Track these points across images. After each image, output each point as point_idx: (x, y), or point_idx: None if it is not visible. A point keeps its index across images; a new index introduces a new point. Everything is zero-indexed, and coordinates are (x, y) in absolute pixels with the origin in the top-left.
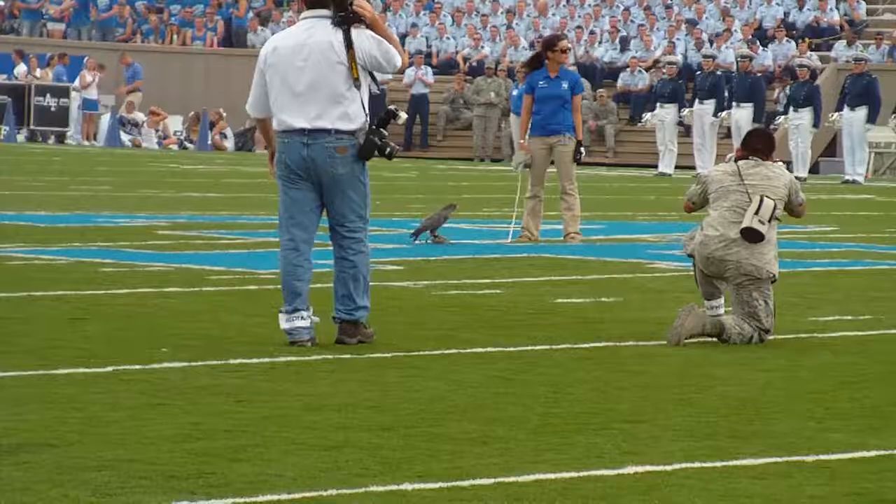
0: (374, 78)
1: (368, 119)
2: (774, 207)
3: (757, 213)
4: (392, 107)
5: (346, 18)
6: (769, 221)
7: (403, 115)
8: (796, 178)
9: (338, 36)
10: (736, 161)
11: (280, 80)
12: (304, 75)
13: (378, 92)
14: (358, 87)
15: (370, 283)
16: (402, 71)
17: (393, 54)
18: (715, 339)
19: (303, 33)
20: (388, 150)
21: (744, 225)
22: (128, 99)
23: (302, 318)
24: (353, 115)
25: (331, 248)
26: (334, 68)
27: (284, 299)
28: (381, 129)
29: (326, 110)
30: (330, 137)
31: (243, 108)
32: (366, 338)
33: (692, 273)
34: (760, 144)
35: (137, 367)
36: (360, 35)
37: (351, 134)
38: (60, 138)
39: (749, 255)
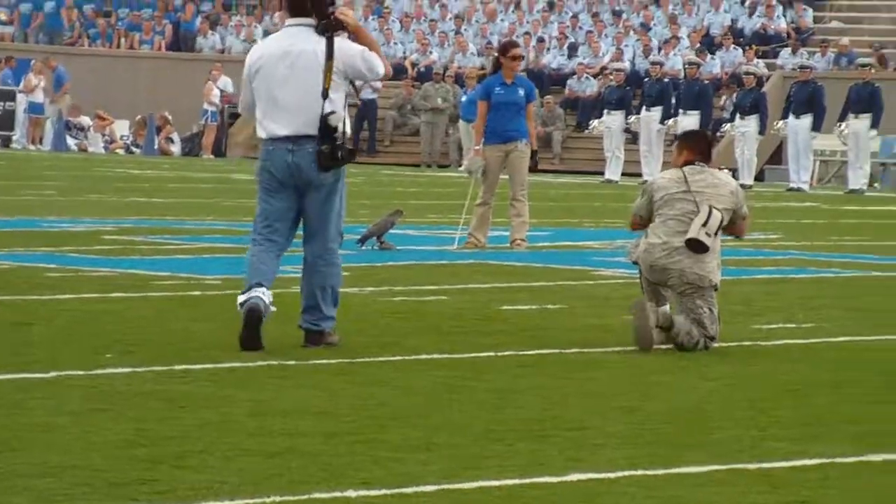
0: (354, 86)
1: (345, 128)
2: (721, 220)
3: (705, 224)
4: (329, 111)
5: (328, 26)
6: (715, 234)
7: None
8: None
9: (321, 44)
10: (681, 167)
11: (265, 88)
12: (289, 83)
13: (358, 101)
14: (326, 96)
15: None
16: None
17: (375, 63)
18: (659, 346)
19: (286, 40)
20: (341, 154)
21: (689, 235)
22: (72, 103)
23: (263, 292)
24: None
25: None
26: (318, 76)
27: (246, 283)
28: (333, 136)
29: (311, 118)
30: (314, 144)
31: (190, 113)
32: (331, 345)
33: (638, 280)
34: (704, 146)
35: (81, 372)
36: (342, 44)
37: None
38: (6, 142)
39: (692, 264)
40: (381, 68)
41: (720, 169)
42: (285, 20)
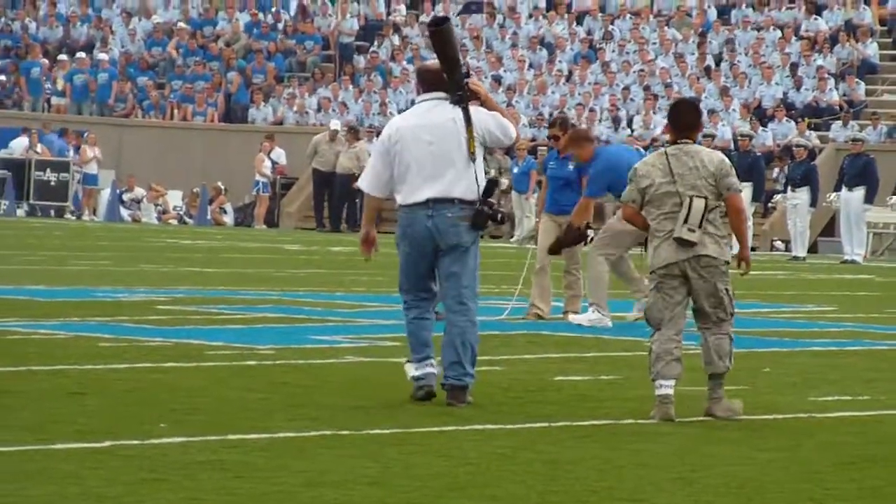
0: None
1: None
2: (705, 207)
3: (686, 220)
4: (492, 175)
5: (463, 97)
6: (699, 226)
7: (505, 182)
8: (795, 258)
9: (457, 114)
10: (672, 144)
11: (409, 157)
12: (432, 151)
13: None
14: (473, 160)
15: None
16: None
17: (509, 127)
18: (711, 418)
19: (425, 114)
20: (500, 216)
21: (675, 235)
22: (129, 175)
23: (431, 364)
24: (471, 186)
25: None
26: (459, 144)
27: (413, 350)
28: (489, 199)
29: (451, 183)
30: (454, 208)
31: (242, 183)
32: (468, 403)
33: (687, 350)
34: (692, 118)
35: (135, 441)
36: (477, 112)
37: (471, 204)
38: (60, 213)
39: (700, 249)
40: (513, 131)
41: (773, 241)
42: (419, 96)
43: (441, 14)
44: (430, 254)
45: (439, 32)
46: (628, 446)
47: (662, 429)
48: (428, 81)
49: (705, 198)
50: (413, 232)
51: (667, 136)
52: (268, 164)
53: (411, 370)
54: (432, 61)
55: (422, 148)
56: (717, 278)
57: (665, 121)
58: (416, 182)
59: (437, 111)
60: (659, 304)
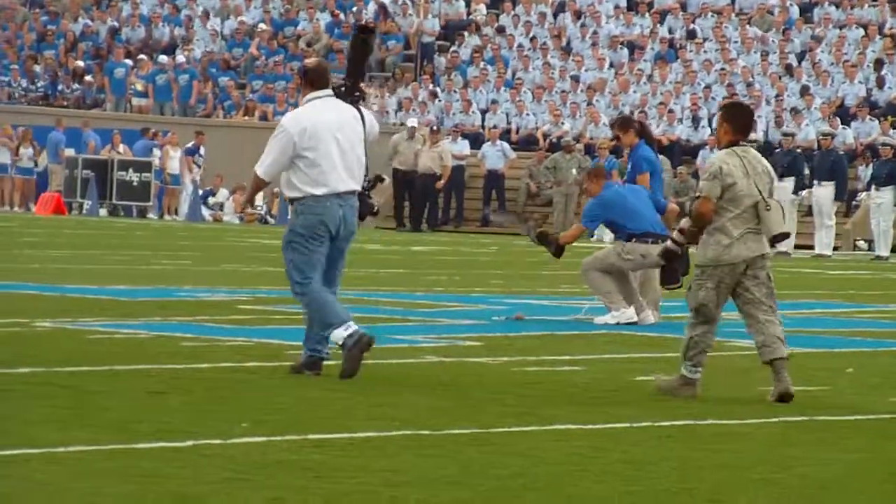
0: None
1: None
2: (781, 209)
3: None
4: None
5: (359, 98)
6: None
7: (388, 179)
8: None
9: (354, 112)
10: (729, 146)
11: (324, 151)
12: (343, 146)
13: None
14: (366, 155)
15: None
16: (478, 147)
17: (377, 128)
18: (794, 418)
19: (331, 110)
20: (377, 208)
21: (777, 231)
22: (216, 175)
23: (354, 323)
24: (362, 180)
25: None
26: (360, 139)
27: (333, 320)
28: (371, 191)
29: (354, 175)
30: (354, 199)
31: None
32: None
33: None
34: (749, 120)
35: (217, 441)
36: (365, 111)
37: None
38: (142, 213)
39: (759, 241)
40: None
41: (856, 241)
42: (311, 93)
43: (370, 24)
44: (328, 243)
45: (368, 39)
46: (709, 447)
47: (743, 430)
48: (315, 79)
49: (777, 201)
50: (328, 219)
51: (717, 139)
52: None
53: (341, 334)
54: (313, 59)
55: (334, 142)
56: (769, 270)
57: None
58: (331, 174)
59: (342, 108)
60: (715, 301)
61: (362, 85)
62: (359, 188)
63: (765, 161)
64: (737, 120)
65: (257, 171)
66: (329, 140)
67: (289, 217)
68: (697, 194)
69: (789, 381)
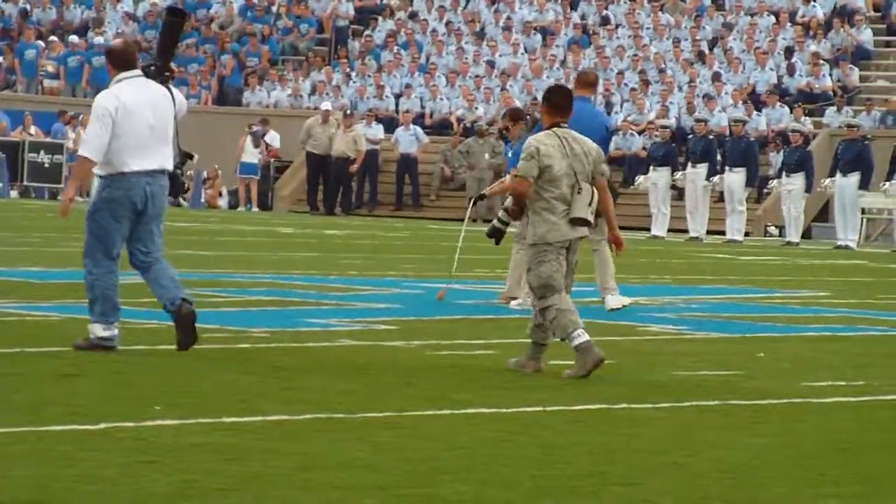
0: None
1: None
2: (592, 193)
3: (589, 204)
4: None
5: (167, 78)
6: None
7: (196, 156)
8: (789, 243)
9: (165, 91)
10: (549, 128)
11: (135, 129)
12: (153, 125)
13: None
14: (177, 134)
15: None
16: (392, 131)
17: (185, 106)
18: (706, 402)
19: (143, 90)
20: (187, 186)
21: (577, 215)
22: None
23: (117, 327)
24: (173, 158)
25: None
26: (171, 120)
27: (104, 312)
28: (180, 170)
29: (166, 154)
30: (164, 177)
31: (235, 167)
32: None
33: (682, 336)
34: (568, 101)
35: (129, 424)
36: (174, 90)
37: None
38: (54, 194)
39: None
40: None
41: (767, 227)
42: (121, 73)
43: (179, 7)
44: (131, 219)
45: (179, 23)
46: (622, 431)
47: (655, 414)
48: (122, 60)
49: (590, 185)
50: (133, 196)
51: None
52: (248, 147)
53: (99, 330)
54: (119, 41)
55: (146, 121)
56: (577, 256)
57: (658, 105)
58: (140, 152)
59: (154, 88)
60: (558, 272)
61: (172, 65)
62: (170, 167)
63: (589, 143)
64: (555, 102)
65: (85, 154)
66: (140, 118)
67: (95, 192)
68: (515, 173)
69: (539, 363)
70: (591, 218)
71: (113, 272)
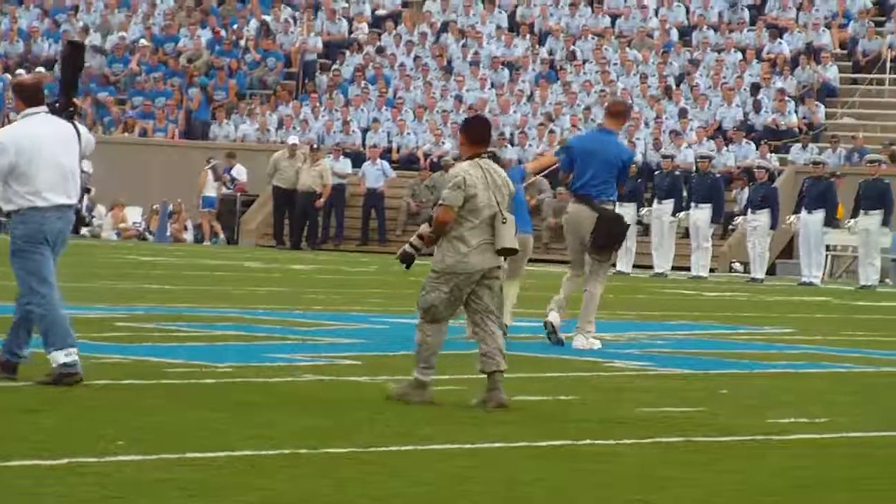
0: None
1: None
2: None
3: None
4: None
5: (71, 114)
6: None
7: (93, 190)
8: (753, 279)
9: (70, 127)
10: (470, 158)
11: (45, 164)
12: (62, 161)
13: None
14: (82, 169)
15: None
16: (359, 165)
17: (93, 141)
18: (669, 439)
19: (47, 125)
20: (88, 220)
21: (505, 245)
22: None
23: (77, 352)
24: (78, 192)
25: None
26: (77, 153)
27: (60, 339)
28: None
29: (73, 189)
30: (71, 212)
31: (197, 201)
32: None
33: (646, 372)
34: (488, 133)
35: (92, 459)
36: (80, 126)
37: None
38: None
39: (494, 252)
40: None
41: (732, 263)
42: (25, 108)
43: (78, 40)
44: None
45: (77, 55)
46: (586, 467)
47: (619, 450)
48: (29, 96)
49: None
50: (46, 231)
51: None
52: (210, 180)
53: (60, 357)
54: (28, 76)
55: (52, 157)
56: (500, 283)
57: (623, 140)
58: (50, 188)
59: (58, 124)
60: (446, 305)
61: (76, 100)
62: (76, 202)
63: (504, 174)
64: (473, 133)
65: None
66: (47, 155)
67: (9, 229)
68: (441, 202)
69: (504, 395)
70: (517, 246)
71: (52, 296)
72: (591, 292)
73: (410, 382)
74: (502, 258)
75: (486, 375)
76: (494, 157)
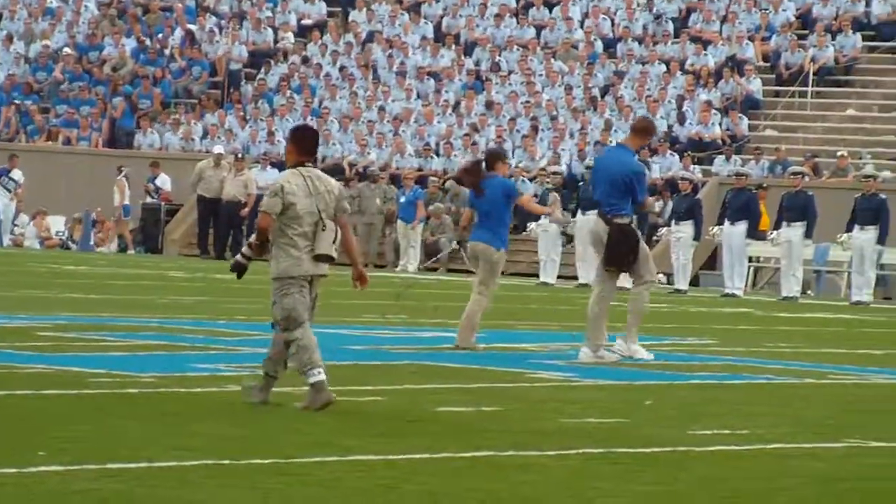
0: None
1: None
2: (336, 231)
3: (334, 241)
4: None
5: None
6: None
7: None
8: (677, 290)
9: None
10: (295, 166)
11: None
12: None
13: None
14: None
15: None
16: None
17: None
18: (593, 450)
19: None
20: None
21: (322, 252)
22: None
23: None
24: None
25: None
26: None
27: None
28: None
29: None
30: None
31: (116, 211)
32: None
33: (570, 383)
34: (316, 142)
35: (12, 470)
36: None
37: None
38: None
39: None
40: None
41: (658, 274)
42: None
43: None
44: None
45: None
46: (510, 478)
47: (543, 461)
48: None
49: (332, 220)
50: None
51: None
52: (125, 189)
53: None
54: None
55: None
56: (318, 290)
57: (549, 151)
58: None
59: None
60: (301, 305)
61: None
62: None
63: (331, 182)
64: (301, 142)
65: None
66: None
67: None
68: (259, 209)
69: (266, 392)
70: (334, 254)
71: None
72: (632, 307)
73: (310, 391)
74: (326, 266)
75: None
76: (493, 154)
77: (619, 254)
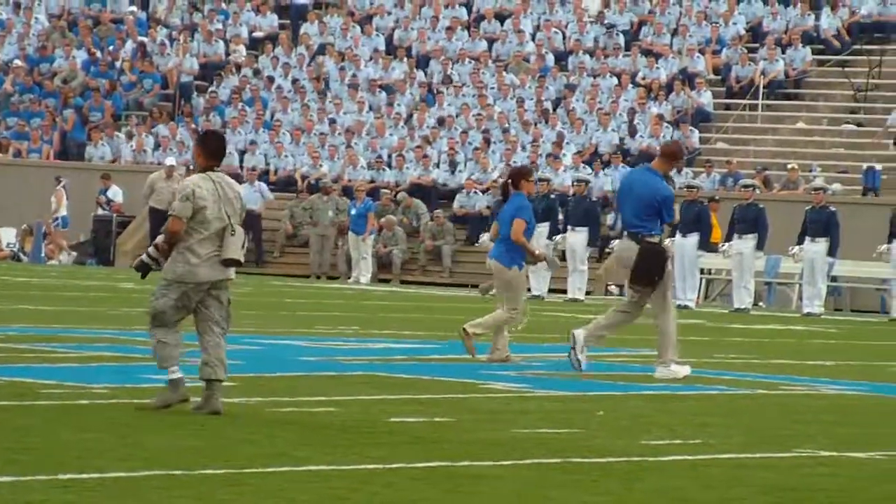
0: None
1: None
2: (244, 235)
3: (243, 246)
4: None
5: None
6: (243, 246)
7: None
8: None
9: None
10: (203, 171)
11: None
12: None
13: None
14: None
15: None
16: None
17: None
18: (547, 460)
19: None
20: None
21: (229, 256)
22: None
23: None
24: None
25: None
26: None
27: None
28: None
29: None
30: None
31: (78, 221)
32: None
33: (523, 393)
34: (222, 147)
35: None
36: None
37: None
38: None
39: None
40: None
41: (608, 284)
42: None
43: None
44: None
45: None
46: (464, 489)
47: (497, 472)
48: None
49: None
50: None
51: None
52: (63, 199)
53: None
54: None
55: None
56: (228, 294)
57: (501, 164)
58: None
59: None
60: (175, 310)
61: None
62: None
63: (237, 187)
64: (209, 147)
65: None
66: None
67: None
68: (170, 213)
69: (220, 402)
70: (241, 259)
71: None
72: (660, 327)
73: (165, 388)
74: (233, 270)
75: (205, 382)
76: (516, 172)
77: (647, 272)
